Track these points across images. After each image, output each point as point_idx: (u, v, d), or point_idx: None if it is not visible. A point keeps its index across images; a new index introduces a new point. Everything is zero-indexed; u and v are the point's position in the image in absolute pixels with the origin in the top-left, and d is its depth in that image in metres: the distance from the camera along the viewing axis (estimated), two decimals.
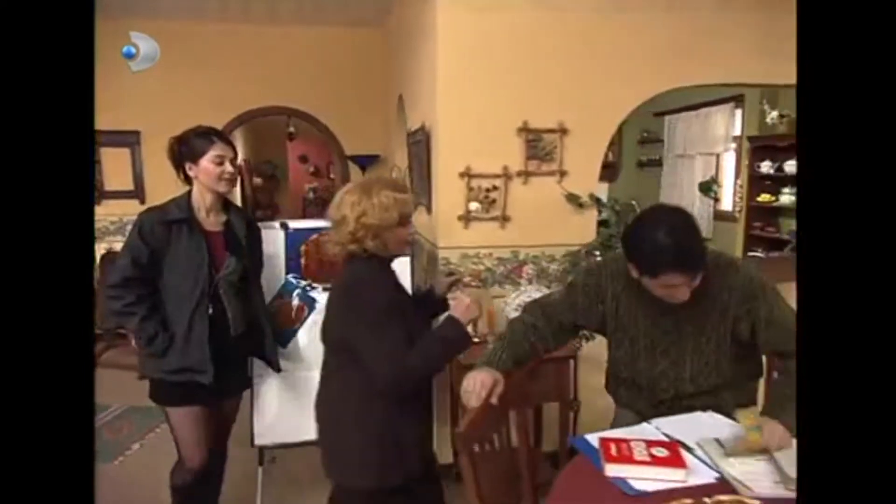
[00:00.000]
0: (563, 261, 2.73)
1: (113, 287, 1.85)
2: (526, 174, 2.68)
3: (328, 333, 1.60)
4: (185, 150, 1.91)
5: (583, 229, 2.73)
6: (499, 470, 1.59)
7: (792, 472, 1.27)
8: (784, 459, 1.33)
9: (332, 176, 8.11)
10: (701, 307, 1.52)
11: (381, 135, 4.85)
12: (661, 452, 1.36)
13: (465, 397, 1.52)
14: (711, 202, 5.96)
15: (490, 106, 2.62)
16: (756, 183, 5.25)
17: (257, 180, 8.25)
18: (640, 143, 7.19)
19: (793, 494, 1.23)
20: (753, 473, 1.31)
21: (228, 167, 1.93)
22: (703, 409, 1.59)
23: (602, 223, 2.81)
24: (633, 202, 2.57)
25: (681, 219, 1.45)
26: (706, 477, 1.32)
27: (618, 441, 1.41)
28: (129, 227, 1.93)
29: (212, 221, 1.97)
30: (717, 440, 1.44)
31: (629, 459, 1.33)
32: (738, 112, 5.58)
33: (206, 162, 1.90)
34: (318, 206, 8.41)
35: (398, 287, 1.65)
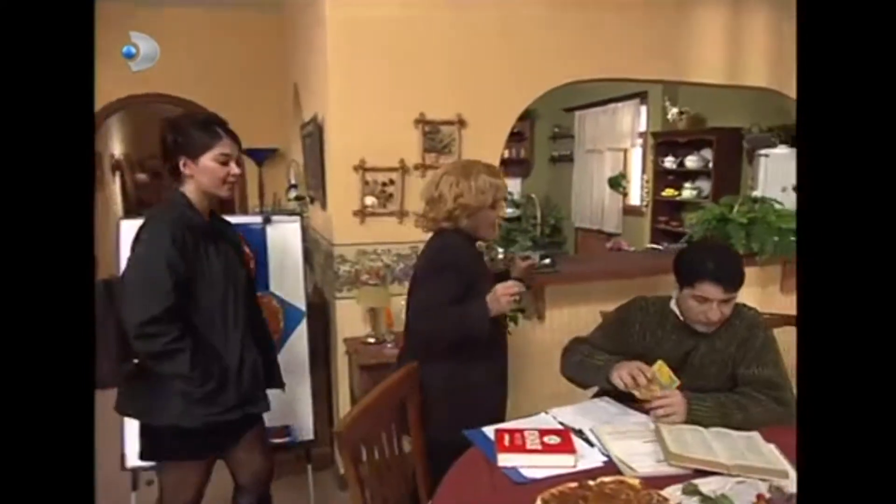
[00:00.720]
0: None
1: (152, 322, 1.52)
2: (423, 167, 2.73)
3: (410, 296, 1.84)
4: (181, 141, 1.64)
5: None
6: (391, 474, 1.60)
7: (675, 447, 1.39)
8: (669, 435, 1.45)
9: None
10: (716, 334, 1.73)
11: (278, 127, 4.77)
12: (553, 440, 1.45)
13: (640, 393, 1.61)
14: (621, 197, 6.33)
15: (385, 97, 2.65)
16: (661, 178, 5.63)
17: (141, 176, 7.82)
18: (551, 138, 7.48)
19: (673, 469, 1.35)
20: (637, 454, 1.42)
21: (234, 168, 1.68)
22: None
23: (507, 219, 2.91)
24: (533, 195, 2.68)
25: (724, 246, 1.98)
26: (595, 461, 1.42)
27: (512, 431, 1.48)
28: None
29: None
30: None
31: (521, 448, 1.41)
32: (643, 109, 5.96)
33: (209, 160, 1.65)
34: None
35: (479, 261, 1.89)
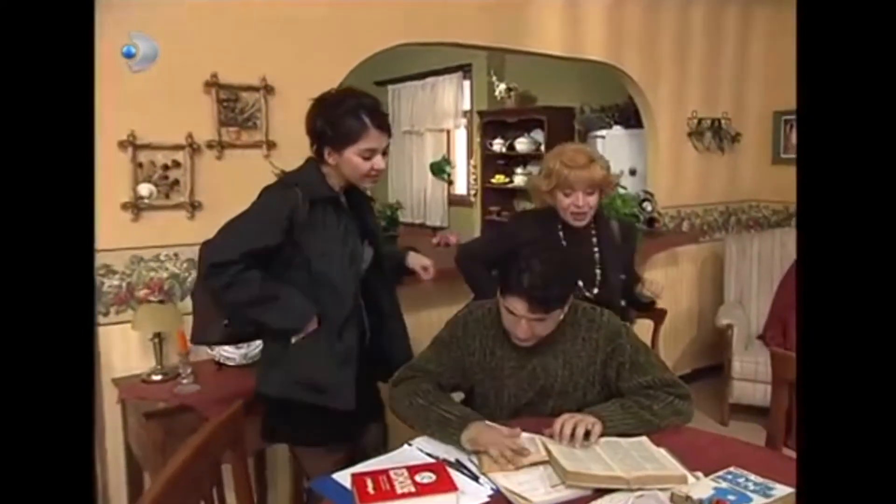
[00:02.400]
0: None
1: (223, 264, 1.77)
2: (220, 145, 2.51)
3: None
4: (327, 133, 1.84)
5: None
6: None
7: (571, 464, 1.40)
8: (560, 453, 1.46)
9: None
10: (573, 349, 1.76)
11: None
12: (427, 478, 1.41)
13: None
14: (445, 185, 6.42)
15: (165, 51, 2.34)
16: (489, 163, 5.82)
17: None
18: None
19: (571, 493, 1.37)
20: (527, 481, 1.42)
21: (379, 162, 1.87)
22: None
23: None
24: None
25: (561, 255, 2.04)
26: (480, 497, 1.41)
27: (374, 475, 1.42)
28: None
29: (344, 201, 1.96)
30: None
31: (391, 495, 1.36)
32: (467, 84, 6.11)
33: (353, 154, 1.84)
34: None
35: (551, 235, 2.19)
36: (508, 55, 5.67)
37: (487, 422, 1.61)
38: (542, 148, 5.33)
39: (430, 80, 6.38)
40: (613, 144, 4.40)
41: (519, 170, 5.61)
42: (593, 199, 2.15)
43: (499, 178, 5.76)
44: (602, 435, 1.57)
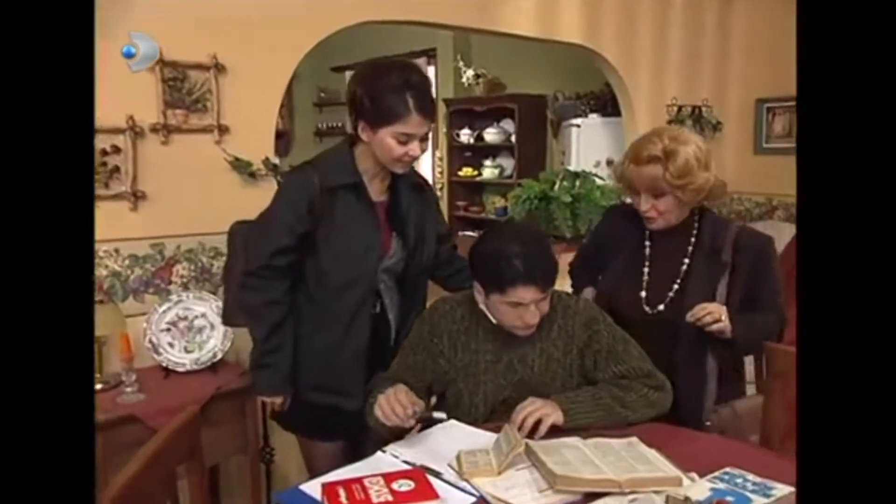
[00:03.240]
0: None
1: (254, 275, 1.87)
2: (166, 129, 2.46)
3: None
4: (366, 102, 1.79)
5: (257, 208, 2.56)
6: None
7: (560, 468, 1.40)
8: (547, 457, 1.46)
9: None
10: (549, 338, 1.77)
11: None
12: (405, 486, 1.41)
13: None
14: None
15: (99, 21, 2.25)
16: (457, 155, 5.81)
17: None
18: (317, 105, 7.35)
19: (560, 498, 1.37)
20: (514, 487, 1.41)
21: (415, 149, 1.83)
22: None
23: None
24: None
25: (531, 232, 1.84)
26: (463, 503, 1.40)
27: (347, 483, 1.42)
28: None
29: (376, 189, 1.94)
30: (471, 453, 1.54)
31: None
32: (431, 70, 6.09)
33: (388, 136, 1.80)
34: None
35: (628, 230, 2.03)
36: (476, 39, 5.69)
37: (399, 386, 1.64)
38: (513, 139, 5.35)
39: None
40: (589, 133, 4.44)
41: (488, 162, 5.62)
42: (665, 204, 1.87)
43: (466, 172, 5.76)
44: (565, 427, 1.61)
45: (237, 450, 2.39)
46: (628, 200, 3.42)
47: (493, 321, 1.77)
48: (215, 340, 2.41)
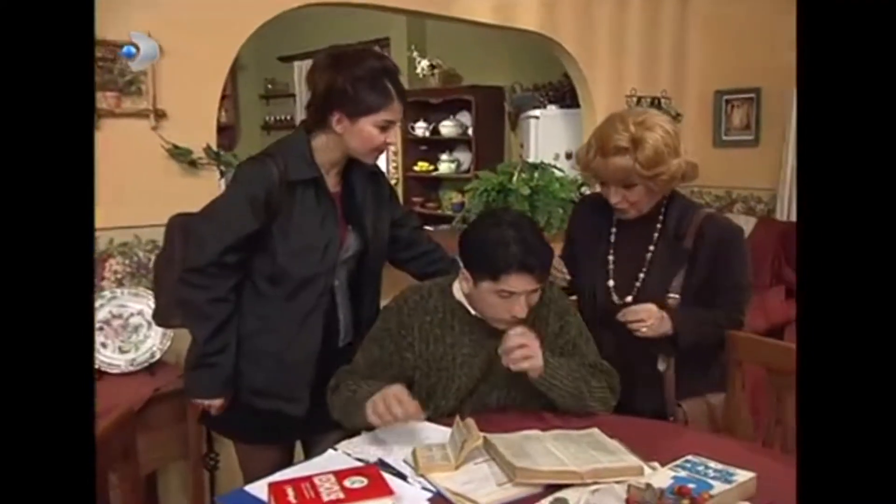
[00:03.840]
0: None
1: (200, 271, 1.81)
2: (97, 114, 2.40)
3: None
4: (349, 90, 1.75)
5: (198, 200, 2.52)
6: None
7: (520, 460, 1.40)
8: (506, 449, 1.46)
9: None
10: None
11: None
12: (357, 483, 1.40)
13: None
14: None
15: None
16: (412, 149, 5.80)
17: None
18: (263, 97, 7.27)
19: (520, 491, 1.37)
20: (472, 482, 1.41)
21: (391, 136, 1.86)
22: None
23: None
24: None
25: (527, 220, 1.79)
26: (419, 500, 1.40)
27: (296, 482, 1.41)
28: None
29: (332, 181, 1.93)
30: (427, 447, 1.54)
31: (316, 503, 1.34)
32: None
33: (369, 125, 1.79)
34: None
35: (596, 220, 2.01)
36: (431, 29, 5.69)
37: (396, 387, 1.60)
38: (470, 132, 5.36)
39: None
40: (548, 125, 4.47)
41: (444, 156, 5.61)
42: (636, 194, 1.84)
43: (422, 166, 5.75)
44: (537, 385, 1.65)
45: (177, 455, 2.35)
46: (588, 191, 3.48)
47: (473, 312, 1.75)
48: (153, 340, 2.36)
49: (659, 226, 1.92)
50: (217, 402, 1.88)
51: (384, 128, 1.82)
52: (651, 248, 1.92)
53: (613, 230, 1.97)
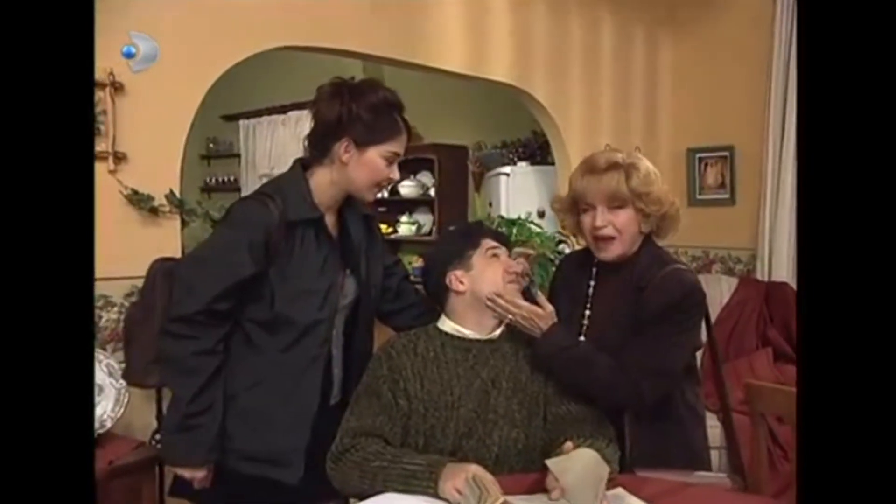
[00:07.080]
0: (128, 301, 2.51)
1: (187, 320, 1.75)
2: None
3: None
4: (363, 117, 1.80)
5: (157, 251, 2.49)
6: None
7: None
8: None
9: None
10: (516, 361, 1.81)
11: None
12: None
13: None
14: None
15: None
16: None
17: None
18: (204, 158, 7.24)
19: None
20: None
21: (395, 171, 1.90)
22: None
23: None
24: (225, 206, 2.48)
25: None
26: None
27: None
28: None
29: (331, 222, 1.93)
30: None
31: None
32: None
33: (377, 155, 1.83)
34: None
35: (576, 273, 2.02)
36: (390, 81, 5.76)
37: (475, 466, 1.53)
38: (432, 192, 5.39)
39: (293, 113, 6.33)
40: (519, 182, 4.53)
41: (404, 218, 5.63)
42: (624, 217, 1.83)
43: (381, 229, 5.74)
44: (538, 426, 1.73)
45: None
46: (568, 250, 3.50)
47: (465, 333, 1.80)
48: (103, 407, 2.23)
49: (630, 277, 1.88)
50: (200, 473, 1.78)
51: (390, 161, 1.86)
52: (623, 300, 1.87)
53: (592, 282, 1.99)
